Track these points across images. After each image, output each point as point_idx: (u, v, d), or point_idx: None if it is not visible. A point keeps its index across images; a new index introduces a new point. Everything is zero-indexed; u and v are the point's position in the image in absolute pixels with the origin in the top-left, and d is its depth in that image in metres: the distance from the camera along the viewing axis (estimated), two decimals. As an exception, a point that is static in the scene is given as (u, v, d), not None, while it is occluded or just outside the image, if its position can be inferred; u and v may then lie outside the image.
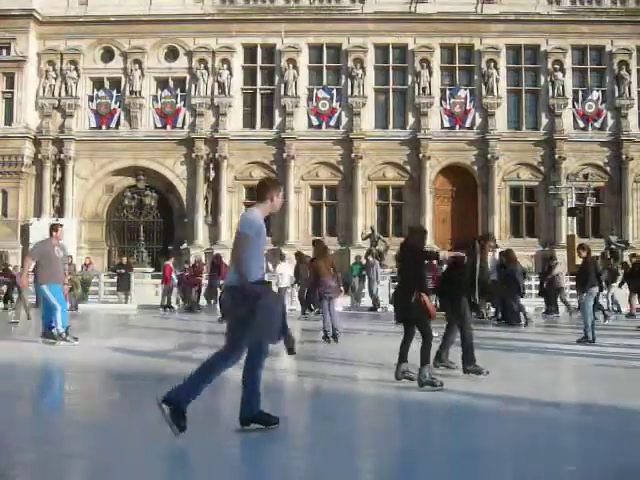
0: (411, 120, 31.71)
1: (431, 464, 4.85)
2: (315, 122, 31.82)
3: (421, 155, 31.15)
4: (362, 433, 5.96)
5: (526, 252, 28.77)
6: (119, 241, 32.54)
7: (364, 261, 23.38)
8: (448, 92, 31.64)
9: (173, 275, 22.11)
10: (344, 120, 31.65)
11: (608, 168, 31.42)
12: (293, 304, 20.00)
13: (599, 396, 7.44)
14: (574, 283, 16.68)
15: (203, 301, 21.69)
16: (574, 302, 18.84)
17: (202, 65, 31.81)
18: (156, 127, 32.11)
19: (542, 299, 20.32)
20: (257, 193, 5.74)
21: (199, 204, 31.30)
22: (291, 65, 31.64)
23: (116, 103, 31.96)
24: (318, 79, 32.12)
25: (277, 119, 31.87)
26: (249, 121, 32.30)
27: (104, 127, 32.04)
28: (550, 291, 19.73)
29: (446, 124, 31.65)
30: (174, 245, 31.04)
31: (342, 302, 18.36)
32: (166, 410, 5.11)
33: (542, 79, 31.76)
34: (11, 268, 22.38)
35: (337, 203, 31.82)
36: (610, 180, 31.44)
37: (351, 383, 8.35)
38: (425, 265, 8.17)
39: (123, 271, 24.47)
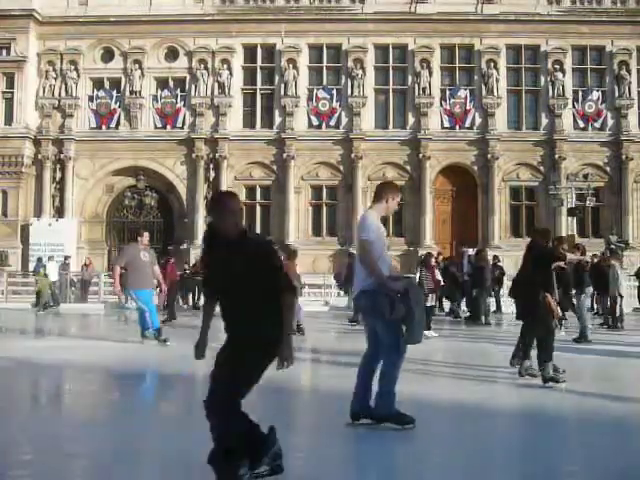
0: (411, 120, 31.70)
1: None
2: (315, 122, 31.81)
3: (421, 155, 31.14)
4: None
5: (526, 252, 28.69)
6: (119, 241, 32.50)
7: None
8: (448, 92, 31.63)
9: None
10: (344, 120, 31.63)
11: (608, 168, 31.40)
12: None
13: None
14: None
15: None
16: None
17: (202, 65, 31.80)
18: (156, 127, 32.10)
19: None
20: (375, 193, 6.03)
21: (199, 204, 31.28)
22: (291, 65, 31.63)
23: (116, 103, 31.94)
24: (318, 79, 32.11)
25: (277, 119, 31.86)
26: (249, 121, 32.29)
27: (104, 127, 32.01)
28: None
29: (446, 124, 31.63)
30: (174, 245, 31.03)
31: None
32: (393, 425, 5.45)
33: (542, 79, 31.73)
34: None
35: (337, 203, 31.81)
36: (610, 180, 31.42)
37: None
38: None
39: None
